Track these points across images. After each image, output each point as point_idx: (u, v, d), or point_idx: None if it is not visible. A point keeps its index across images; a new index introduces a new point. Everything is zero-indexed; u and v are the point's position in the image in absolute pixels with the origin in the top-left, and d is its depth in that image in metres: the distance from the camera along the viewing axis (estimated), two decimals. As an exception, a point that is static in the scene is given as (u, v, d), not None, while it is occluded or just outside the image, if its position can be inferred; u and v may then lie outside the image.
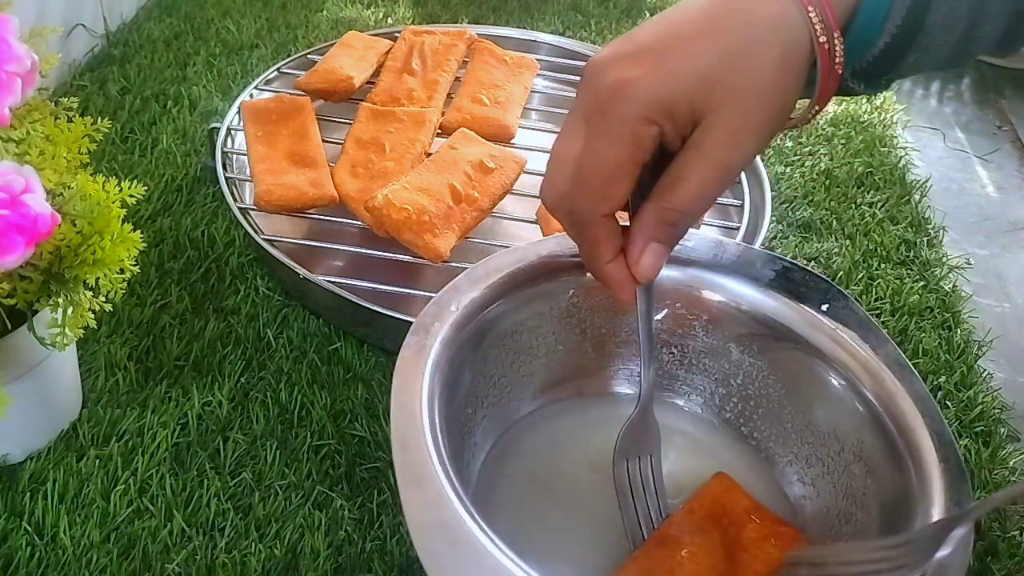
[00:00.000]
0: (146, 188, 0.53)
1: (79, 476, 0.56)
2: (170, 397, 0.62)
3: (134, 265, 0.50)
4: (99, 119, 0.53)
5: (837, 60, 0.39)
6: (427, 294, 0.59)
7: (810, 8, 0.38)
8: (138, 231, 0.50)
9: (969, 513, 0.42)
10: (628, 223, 0.43)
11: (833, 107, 1.02)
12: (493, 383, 0.54)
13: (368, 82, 0.84)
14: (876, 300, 0.77)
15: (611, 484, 0.51)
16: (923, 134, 1.06)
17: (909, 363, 0.50)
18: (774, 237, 0.83)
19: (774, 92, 0.39)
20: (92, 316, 0.50)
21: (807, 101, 0.42)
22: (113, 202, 0.50)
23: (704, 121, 0.38)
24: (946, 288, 0.79)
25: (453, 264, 0.66)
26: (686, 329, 0.56)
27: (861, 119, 1.01)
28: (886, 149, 0.96)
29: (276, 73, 0.86)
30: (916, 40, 0.39)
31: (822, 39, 0.38)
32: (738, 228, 0.74)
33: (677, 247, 0.51)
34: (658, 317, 0.55)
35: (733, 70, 0.38)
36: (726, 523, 0.50)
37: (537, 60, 0.90)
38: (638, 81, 0.38)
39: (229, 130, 0.78)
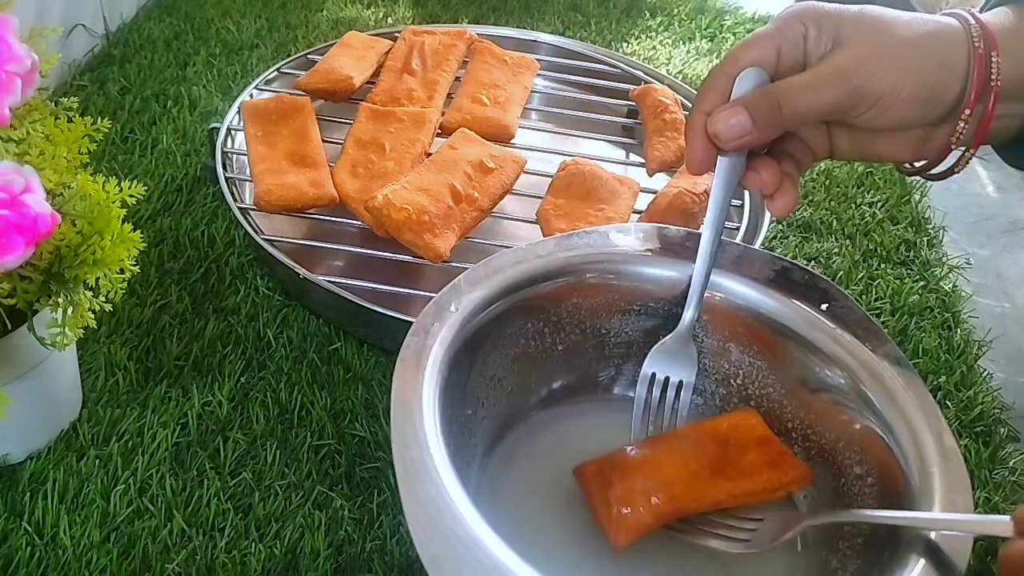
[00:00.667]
0: (146, 188, 0.53)
1: (79, 476, 0.56)
2: (170, 397, 0.62)
3: (134, 265, 0.50)
4: (99, 119, 0.53)
5: (993, 75, 0.44)
6: (427, 294, 0.59)
7: (971, 20, 0.44)
8: (138, 231, 0.50)
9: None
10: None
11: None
12: (493, 384, 0.54)
13: (368, 82, 0.84)
14: (876, 300, 0.77)
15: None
16: (923, 134, 1.06)
17: (909, 363, 0.50)
18: (774, 237, 0.83)
19: (920, 69, 0.44)
20: (92, 316, 0.50)
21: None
22: (113, 202, 0.50)
23: (840, 47, 0.45)
24: (946, 288, 0.79)
25: (453, 264, 0.66)
26: (686, 329, 0.56)
27: (861, 119, 1.01)
28: (886, 149, 0.96)
29: (276, 73, 0.86)
30: None
31: (977, 44, 0.44)
32: (738, 228, 0.74)
33: (678, 246, 0.51)
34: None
35: (884, 27, 0.45)
36: (730, 442, 0.50)
37: (537, 60, 0.90)
38: (807, 5, 0.47)
39: (229, 130, 0.78)
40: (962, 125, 0.45)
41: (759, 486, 0.49)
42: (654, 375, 0.52)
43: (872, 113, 0.45)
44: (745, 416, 0.52)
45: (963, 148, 0.47)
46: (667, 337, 0.52)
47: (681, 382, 0.52)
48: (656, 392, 0.52)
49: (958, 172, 0.48)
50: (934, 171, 0.49)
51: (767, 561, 0.50)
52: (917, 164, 0.50)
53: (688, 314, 0.52)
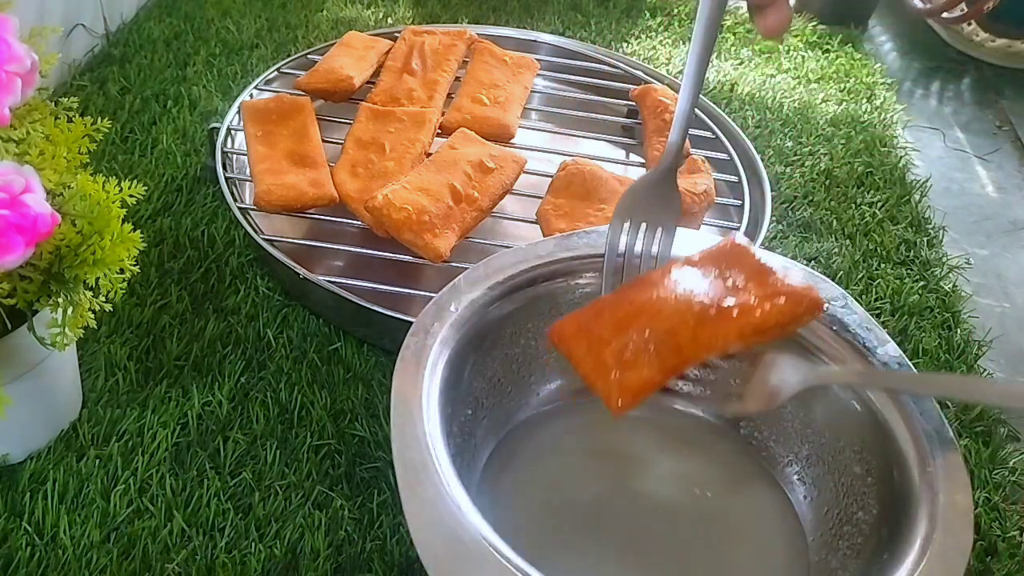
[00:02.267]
0: (146, 188, 0.53)
1: (79, 476, 0.56)
2: (170, 397, 0.62)
3: (134, 265, 0.50)
4: (99, 119, 0.53)
5: None
6: (427, 294, 0.59)
7: None
8: (138, 231, 0.50)
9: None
10: None
11: (834, 107, 1.02)
12: (493, 384, 0.54)
13: (368, 82, 0.84)
14: (876, 300, 0.77)
15: (612, 484, 0.51)
16: (923, 134, 1.06)
17: (909, 362, 0.50)
18: (774, 237, 0.83)
19: None
20: (92, 316, 0.51)
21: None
22: (113, 202, 0.50)
23: None
24: (946, 288, 0.79)
25: (453, 264, 0.66)
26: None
27: (861, 119, 1.01)
28: (886, 149, 0.96)
29: (276, 73, 0.86)
30: None
31: None
32: (738, 228, 0.74)
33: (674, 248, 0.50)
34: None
35: None
36: (726, 276, 0.44)
37: (537, 60, 0.90)
38: None
39: (229, 130, 0.78)
40: None
41: (771, 321, 0.42)
42: (629, 222, 0.44)
43: None
44: (733, 245, 0.46)
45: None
46: (645, 175, 0.44)
47: (660, 229, 0.44)
48: (633, 236, 0.44)
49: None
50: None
51: (767, 559, 0.50)
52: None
53: (671, 145, 0.43)
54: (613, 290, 0.45)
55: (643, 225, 0.44)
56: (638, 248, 0.44)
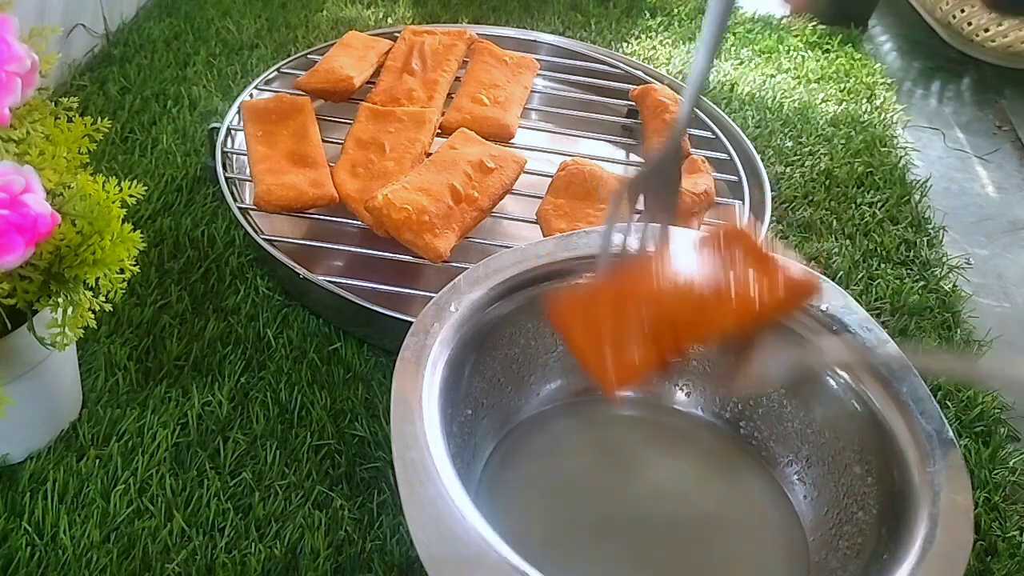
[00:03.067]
0: (146, 188, 0.53)
1: (79, 476, 0.56)
2: (170, 397, 0.62)
3: (134, 265, 0.50)
4: (99, 119, 0.53)
5: None
6: (427, 294, 0.59)
7: None
8: (138, 231, 0.50)
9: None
10: None
11: (834, 107, 1.02)
12: (493, 384, 0.54)
13: (368, 82, 0.84)
14: (876, 300, 0.77)
15: (612, 484, 0.51)
16: (923, 134, 1.06)
17: (909, 363, 0.50)
18: (774, 237, 0.83)
19: None
20: (92, 316, 0.50)
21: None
22: (113, 202, 0.50)
23: None
24: (946, 288, 0.79)
25: (453, 264, 0.66)
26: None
27: (861, 119, 1.01)
28: (886, 149, 0.96)
29: (276, 73, 0.86)
30: None
31: None
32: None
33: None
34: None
35: None
36: (726, 261, 0.44)
37: (537, 60, 0.90)
38: None
39: (229, 130, 0.78)
40: None
41: (769, 307, 0.42)
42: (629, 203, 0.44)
43: None
44: (733, 230, 0.46)
45: None
46: (651, 158, 0.46)
47: (661, 212, 0.45)
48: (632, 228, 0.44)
49: None
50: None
51: (767, 559, 0.50)
52: None
53: (680, 124, 0.45)
54: (612, 270, 0.45)
55: (644, 208, 0.45)
56: (638, 230, 0.45)
